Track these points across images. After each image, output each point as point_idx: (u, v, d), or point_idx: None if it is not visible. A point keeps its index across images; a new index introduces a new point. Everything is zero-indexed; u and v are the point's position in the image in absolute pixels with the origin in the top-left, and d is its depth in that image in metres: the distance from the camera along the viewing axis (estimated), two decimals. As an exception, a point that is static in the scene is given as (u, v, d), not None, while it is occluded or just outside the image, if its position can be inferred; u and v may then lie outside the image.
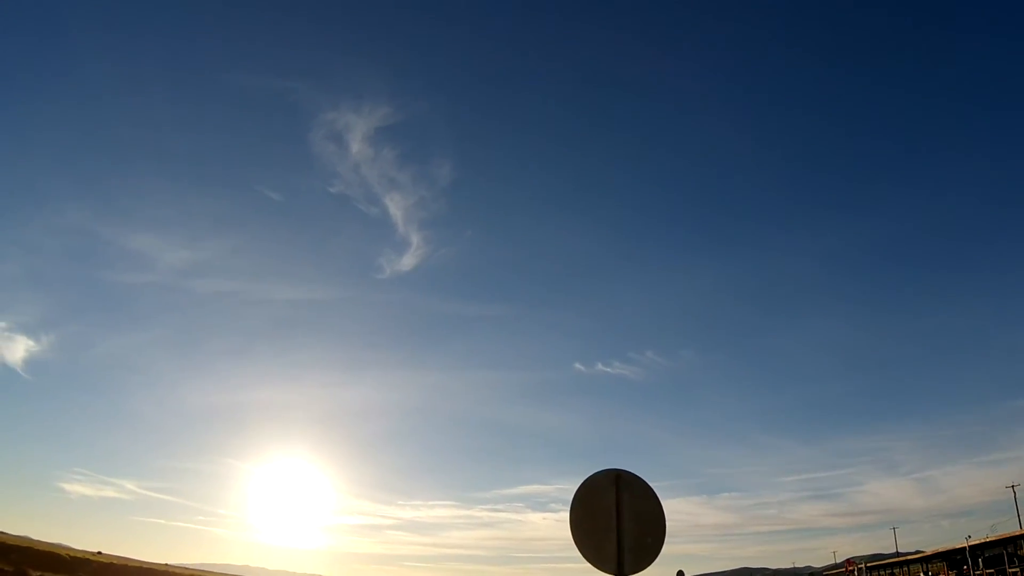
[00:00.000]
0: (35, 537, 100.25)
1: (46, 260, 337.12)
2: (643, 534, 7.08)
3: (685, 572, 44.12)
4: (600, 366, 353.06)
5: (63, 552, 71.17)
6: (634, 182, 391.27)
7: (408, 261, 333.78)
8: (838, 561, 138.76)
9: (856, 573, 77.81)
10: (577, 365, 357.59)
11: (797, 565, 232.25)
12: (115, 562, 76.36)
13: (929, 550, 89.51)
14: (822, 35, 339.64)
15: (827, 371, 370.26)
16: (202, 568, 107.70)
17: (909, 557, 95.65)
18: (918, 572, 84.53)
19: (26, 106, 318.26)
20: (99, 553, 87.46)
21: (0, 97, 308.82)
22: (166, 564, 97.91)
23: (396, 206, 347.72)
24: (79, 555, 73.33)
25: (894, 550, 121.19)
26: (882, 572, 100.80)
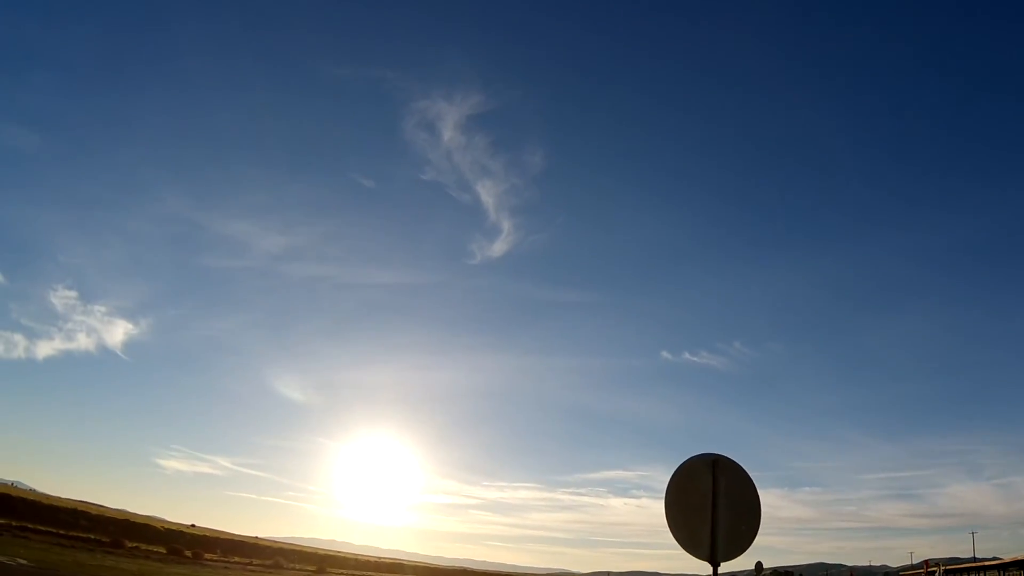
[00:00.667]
0: (131, 510, 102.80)
1: (146, 247, 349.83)
2: (738, 521, 6.93)
3: (763, 563, 42.73)
4: (687, 355, 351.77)
5: (158, 524, 72.42)
6: (728, 174, 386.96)
7: (499, 247, 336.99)
8: (915, 562, 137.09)
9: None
10: (664, 353, 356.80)
11: (873, 564, 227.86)
12: (207, 534, 77.50)
13: (1008, 557, 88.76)
14: (925, 35, 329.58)
15: (915, 370, 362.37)
16: (290, 542, 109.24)
17: (987, 563, 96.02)
18: None
19: (129, 98, 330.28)
20: (192, 526, 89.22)
21: (104, 90, 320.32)
22: (256, 537, 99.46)
23: (488, 193, 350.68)
24: (173, 527, 74.58)
25: (972, 555, 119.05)
26: None
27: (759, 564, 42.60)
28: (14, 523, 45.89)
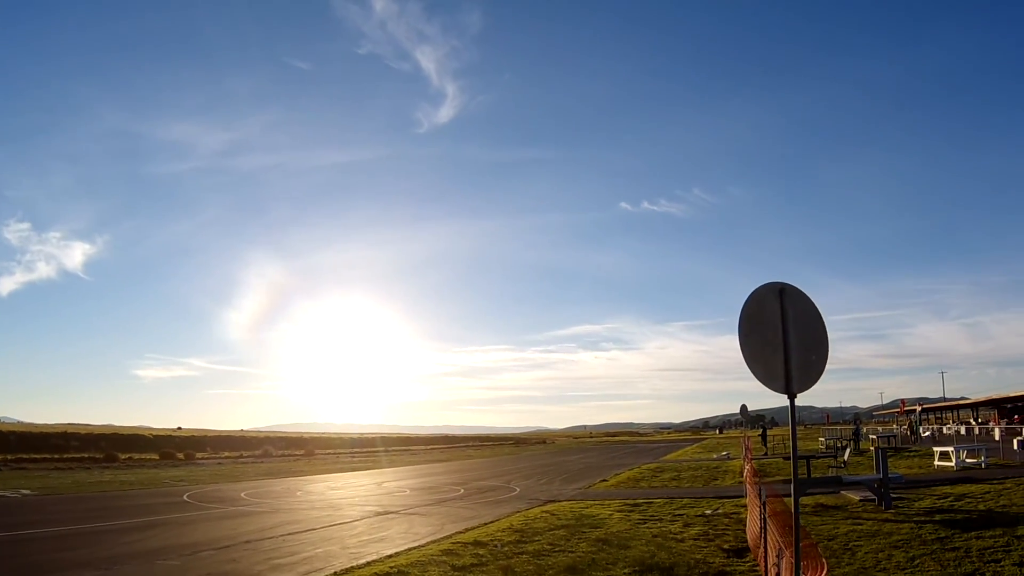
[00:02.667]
0: (118, 424, 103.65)
1: (91, 166, 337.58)
2: (808, 351, 6.60)
3: (748, 407, 44.42)
4: (646, 204, 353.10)
5: (146, 433, 73.45)
6: (676, 17, 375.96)
7: (445, 113, 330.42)
8: (885, 402, 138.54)
9: (912, 416, 75.59)
10: (623, 204, 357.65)
11: (843, 405, 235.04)
12: (195, 435, 78.85)
13: (976, 397, 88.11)
14: None
15: (879, 209, 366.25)
16: (274, 430, 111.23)
17: (957, 403, 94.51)
18: (968, 418, 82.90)
19: (48, 18, 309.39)
20: (179, 429, 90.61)
21: (24, 15, 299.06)
22: (241, 430, 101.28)
23: (427, 59, 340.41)
24: (161, 433, 75.71)
25: (941, 394, 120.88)
26: (932, 416, 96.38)
27: (744, 407, 44.34)
28: (9, 457, 46.42)
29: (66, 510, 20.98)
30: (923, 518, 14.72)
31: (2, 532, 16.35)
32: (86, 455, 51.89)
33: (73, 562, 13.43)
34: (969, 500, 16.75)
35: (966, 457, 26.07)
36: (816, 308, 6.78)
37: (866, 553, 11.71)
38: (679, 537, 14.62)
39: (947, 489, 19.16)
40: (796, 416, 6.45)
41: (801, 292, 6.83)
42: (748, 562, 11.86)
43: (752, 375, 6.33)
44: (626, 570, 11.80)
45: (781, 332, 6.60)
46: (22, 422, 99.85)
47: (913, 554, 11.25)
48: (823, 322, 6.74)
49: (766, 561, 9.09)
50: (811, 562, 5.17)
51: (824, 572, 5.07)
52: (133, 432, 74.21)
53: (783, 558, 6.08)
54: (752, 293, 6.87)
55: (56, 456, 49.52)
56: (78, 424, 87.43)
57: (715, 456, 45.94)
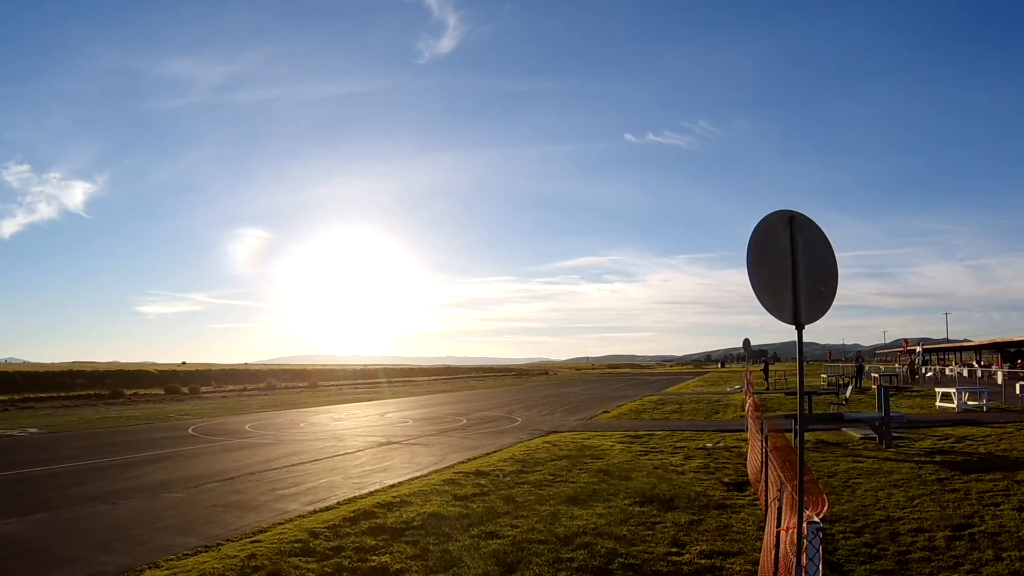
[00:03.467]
0: (123, 360, 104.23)
1: (88, 105, 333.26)
2: (818, 282, 6.41)
3: (751, 341, 44.33)
4: (651, 136, 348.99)
5: (151, 368, 73.88)
6: None
7: (447, 43, 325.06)
8: (887, 341, 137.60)
9: (914, 356, 72.62)
10: (628, 136, 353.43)
11: (846, 343, 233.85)
12: (199, 369, 79.44)
13: (979, 340, 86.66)
14: None
15: (887, 147, 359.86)
16: (278, 363, 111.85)
17: (960, 344, 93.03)
18: (971, 361, 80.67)
19: None
20: (183, 363, 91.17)
21: None
22: (245, 363, 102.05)
23: None
24: (166, 368, 76.14)
25: (944, 336, 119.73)
26: (934, 357, 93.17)
27: (747, 341, 44.33)
28: (16, 396, 46.75)
29: (73, 447, 21.23)
30: (923, 458, 14.82)
31: (11, 470, 16.55)
32: (92, 392, 52.34)
33: (81, 497, 13.63)
34: (970, 442, 16.84)
35: (968, 399, 25.88)
36: (826, 238, 6.63)
37: (866, 491, 11.84)
38: (680, 469, 14.79)
39: (948, 431, 19.24)
40: (803, 350, 6.31)
41: (811, 221, 6.65)
42: (748, 495, 12.03)
43: (759, 306, 6.15)
44: (627, 501, 11.96)
45: (790, 262, 6.41)
46: (28, 362, 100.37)
47: (913, 494, 11.35)
48: (833, 253, 6.59)
49: (767, 495, 9.15)
50: (811, 498, 5.20)
51: (825, 508, 5.08)
52: (138, 368, 74.76)
53: (784, 492, 6.10)
54: (761, 221, 6.64)
55: (62, 394, 49.94)
56: (83, 362, 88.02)
57: (728, 390, 46.08)
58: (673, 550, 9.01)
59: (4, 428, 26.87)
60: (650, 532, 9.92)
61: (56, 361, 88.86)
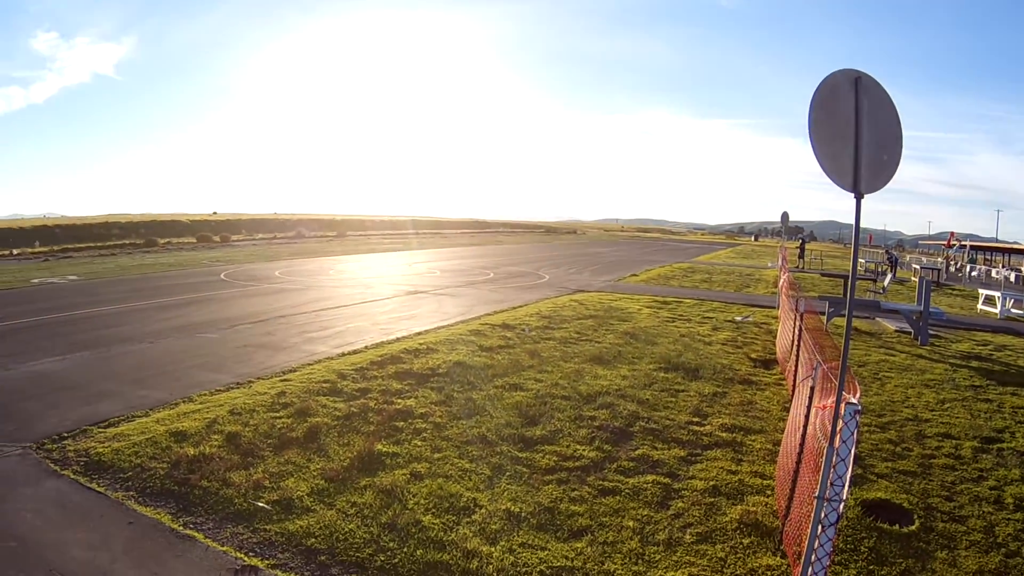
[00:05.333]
0: (155, 212, 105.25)
1: None
2: (880, 150, 5.96)
3: (789, 214, 43.08)
4: None
5: (183, 218, 74.54)
6: None
7: None
8: (932, 232, 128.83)
9: (958, 251, 65.86)
10: None
11: (888, 229, 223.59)
12: (230, 219, 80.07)
13: None
14: None
15: (952, 18, 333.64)
16: (308, 215, 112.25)
17: (1011, 247, 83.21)
18: (1020, 265, 71.90)
19: None
20: (215, 213, 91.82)
21: None
22: (275, 213, 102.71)
23: None
24: (198, 218, 76.77)
25: (993, 235, 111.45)
26: (980, 256, 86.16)
27: (785, 214, 43.20)
28: (55, 248, 47.62)
29: (111, 291, 21.75)
30: (959, 361, 13.96)
31: (53, 313, 17.05)
32: (127, 242, 53.08)
33: (119, 337, 14.09)
34: (1009, 352, 15.41)
35: (1012, 306, 23.89)
36: (893, 103, 6.10)
37: (896, 386, 11.53)
38: (707, 340, 14.82)
39: (988, 336, 17.75)
40: (860, 222, 5.94)
41: (878, 84, 6.09)
42: (775, 374, 12.04)
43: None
44: (651, 366, 12.09)
45: (854, 125, 5.93)
46: (66, 215, 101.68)
47: (944, 397, 10.94)
48: (899, 121, 6.06)
49: (795, 375, 9.08)
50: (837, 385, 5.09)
51: (858, 394, 5.00)
52: (171, 218, 75.41)
53: (818, 372, 6.05)
54: (825, 79, 6.14)
55: (99, 244, 50.73)
56: (118, 214, 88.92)
57: (768, 264, 45.12)
58: (695, 420, 9.17)
59: (45, 275, 27.52)
60: (673, 399, 10.08)
61: (92, 214, 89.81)
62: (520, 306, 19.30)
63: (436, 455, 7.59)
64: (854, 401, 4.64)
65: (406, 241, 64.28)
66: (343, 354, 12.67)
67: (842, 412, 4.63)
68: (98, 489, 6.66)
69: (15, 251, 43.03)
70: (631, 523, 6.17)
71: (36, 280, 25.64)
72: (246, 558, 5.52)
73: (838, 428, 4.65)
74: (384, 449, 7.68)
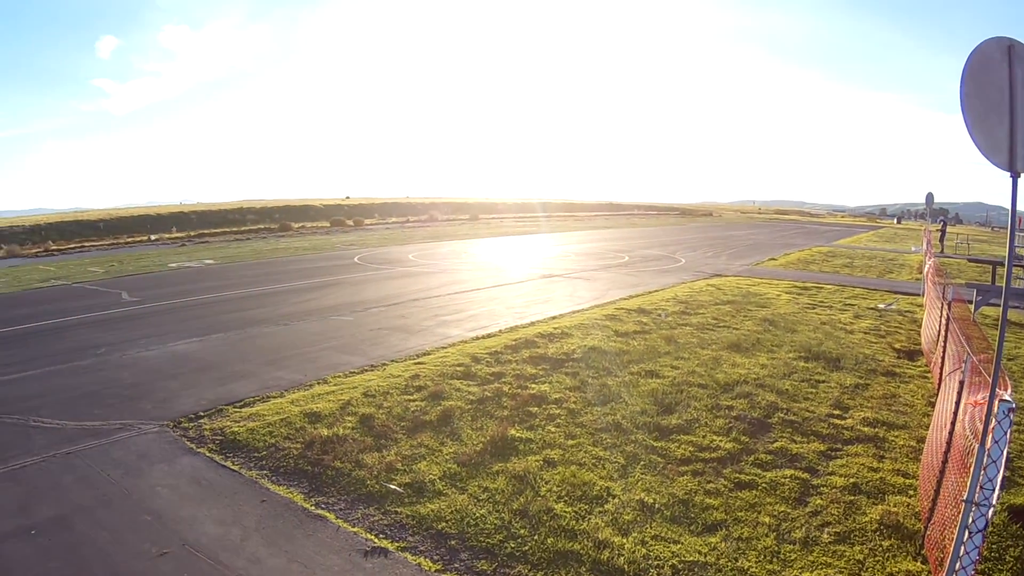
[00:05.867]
0: (288, 198, 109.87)
1: None
2: None
3: (933, 195, 40.54)
4: None
5: (316, 203, 77.46)
6: None
7: None
8: None
9: None
10: None
11: None
12: (363, 203, 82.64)
13: None
14: None
15: None
16: (440, 199, 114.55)
17: None
18: None
19: None
20: (347, 197, 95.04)
21: None
22: (407, 197, 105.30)
23: None
24: (331, 203, 79.65)
25: None
26: None
27: (930, 195, 40.88)
28: (192, 233, 50.49)
29: (246, 275, 22.78)
30: None
31: (190, 296, 17.99)
32: (261, 227, 55.63)
33: (254, 319, 14.70)
34: None
35: None
36: None
37: None
38: (848, 328, 14.19)
39: None
40: (1016, 205, 5.36)
41: None
42: (919, 366, 11.35)
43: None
44: (791, 354, 11.65)
45: (1008, 98, 5.54)
46: (201, 202, 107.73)
47: None
48: None
49: (942, 368, 8.60)
50: (988, 380, 4.70)
51: (1009, 390, 4.62)
52: (304, 203, 78.49)
53: (968, 365, 5.58)
54: (976, 49, 5.76)
55: (234, 229, 53.39)
56: (253, 200, 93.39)
57: (913, 248, 42.80)
58: (835, 412, 8.77)
59: (182, 260, 29.17)
60: (813, 390, 9.67)
61: (228, 200, 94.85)
62: (656, 290, 18.99)
63: (569, 442, 7.50)
64: (1008, 398, 4.30)
65: (539, 224, 64.52)
66: (477, 338, 12.77)
67: (995, 410, 4.28)
68: (232, 467, 6.91)
69: (153, 237, 45.87)
70: (767, 519, 5.95)
71: (174, 264, 27.20)
72: (376, 540, 5.59)
73: (990, 427, 4.33)
74: (517, 434, 7.64)
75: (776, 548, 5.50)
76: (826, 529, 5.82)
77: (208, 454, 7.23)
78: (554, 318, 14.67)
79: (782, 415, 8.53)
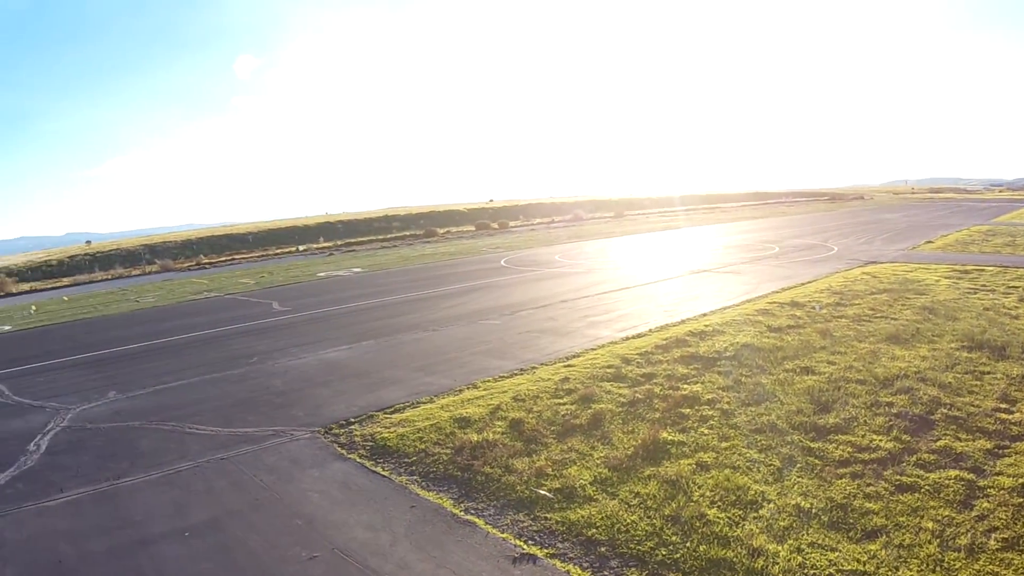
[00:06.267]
0: (432, 204, 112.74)
1: None
2: None
3: None
4: None
5: (460, 208, 79.08)
6: None
7: None
8: None
9: None
10: None
11: None
12: (507, 206, 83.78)
13: None
14: None
15: None
16: (583, 199, 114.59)
17: None
18: None
19: None
20: (491, 201, 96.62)
21: None
22: (550, 198, 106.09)
23: None
24: (475, 207, 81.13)
25: None
26: None
27: None
28: (339, 243, 52.53)
29: (393, 282, 23.49)
30: None
31: (340, 304, 18.71)
32: (407, 233, 57.33)
33: (403, 325, 15.12)
34: None
35: None
36: None
37: None
38: (1014, 313, 13.23)
39: None
40: None
41: None
42: None
43: None
44: (953, 344, 10.97)
45: None
46: (347, 212, 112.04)
47: None
48: None
49: None
50: None
51: None
52: (448, 209, 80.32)
53: None
54: None
55: (380, 237, 55.23)
56: (398, 208, 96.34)
57: None
58: (1002, 406, 8.16)
59: (331, 270, 30.38)
60: (978, 383, 9.04)
61: (372, 209, 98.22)
62: (808, 282, 18.31)
63: (723, 444, 7.31)
64: None
65: (684, 218, 63.57)
66: (627, 338, 12.66)
67: None
68: (382, 473, 7.11)
69: (301, 248, 48.00)
70: (930, 524, 5.58)
71: (322, 274, 28.36)
72: (525, 546, 5.60)
73: None
74: (669, 437, 7.51)
75: (940, 556, 5.17)
76: (993, 535, 5.44)
77: (359, 460, 7.46)
78: (704, 315, 14.38)
79: (945, 410, 8.04)
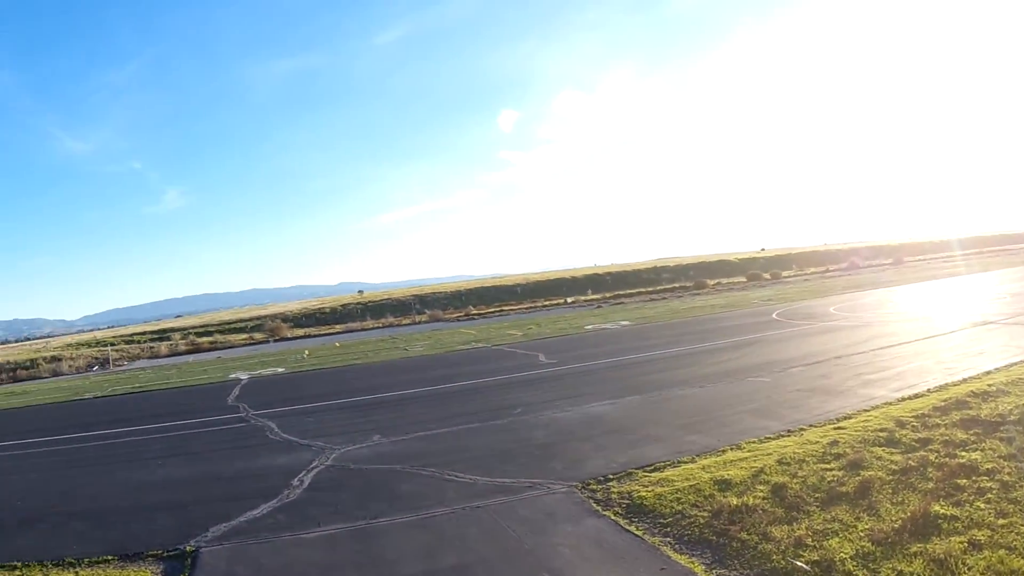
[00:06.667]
0: (701, 253, 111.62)
1: None
2: None
3: None
4: None
5: (731, 258, 77.66)
6: None
7: None
8: None
9: None
10: None
11: None
12: (779, 254, 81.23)
13: None
14: None
15: None
16: (859, 244, 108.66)
17: None
18: None
19: None
20: (762, 250, 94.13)
21: None
22: (824, 244, 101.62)
23: None
24: (745, 257, 79.39)
25: None
26: None
27: None
28: (608, 295, 53.23)
29: (661, 336, 23.47)
30: None
31: (606, 358, 18.96)
32: (676, 285, 57.04)
33: (669, 381, 15.06)
34: None
35: None
36: None
37: None
38: None
39: None
40: None
41: None
42: None
43: None
44: None
45: None
46: (615, 263, 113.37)
47: None
48: None
49: None
50: None
51: None
52: (718, 259, 79.11)
53: None
54: None
55: (649, 289, 55.35)
56: (667, 258, 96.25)
57: None
58: None
59: (598, 322, 30.83)
60: None
61: (640, 260, 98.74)
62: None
63: (1000, 521, 6.61)
64: None
65: (970, 263, 58.43)
66: (902, 399, 11.85)
67: None
68: (636, 532, 7.11)
69: (569, 299, 49.08)
70: None
71: (590, 327, 28.83)
72: (777, 620, 5.40)
73: None
74: (941, 510, 6.92)
75: None
76: None
77: (613, 517, 7.51)
78: (988, 373, 13.16)
79: None
